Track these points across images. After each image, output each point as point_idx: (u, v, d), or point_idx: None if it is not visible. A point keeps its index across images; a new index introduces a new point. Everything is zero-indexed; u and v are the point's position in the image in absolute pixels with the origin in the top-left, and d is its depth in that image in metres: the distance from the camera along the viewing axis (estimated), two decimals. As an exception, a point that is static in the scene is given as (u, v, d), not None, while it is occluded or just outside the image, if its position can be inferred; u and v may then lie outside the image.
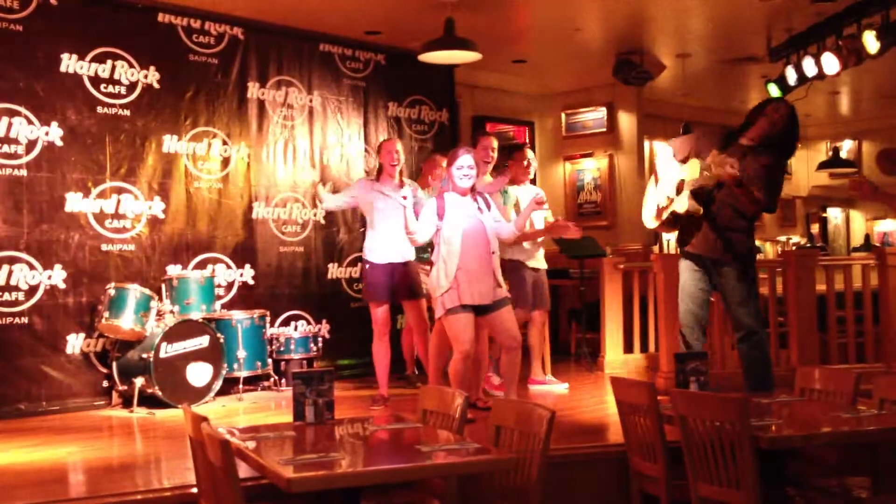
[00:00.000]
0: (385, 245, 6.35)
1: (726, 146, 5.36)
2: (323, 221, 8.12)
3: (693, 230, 5.40)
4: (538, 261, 6.80)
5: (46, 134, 6.62)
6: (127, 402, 6.44)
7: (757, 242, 10.38)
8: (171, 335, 6.41)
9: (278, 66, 7.92)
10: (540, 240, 6.78)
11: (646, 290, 7.60)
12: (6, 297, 6.39)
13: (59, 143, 6.67)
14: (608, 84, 9.78)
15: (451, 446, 3.28)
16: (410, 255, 6.45)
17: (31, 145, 6.55)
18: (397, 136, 8.63)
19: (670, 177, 5.50)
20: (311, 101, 8.11)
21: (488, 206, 5.50)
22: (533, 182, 7.29)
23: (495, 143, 6.64)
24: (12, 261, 6.44)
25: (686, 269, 5.48)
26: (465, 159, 5.41)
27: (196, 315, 6.67)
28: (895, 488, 3.84)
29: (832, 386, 4.26)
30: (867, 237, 13.57)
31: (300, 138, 8.03)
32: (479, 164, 5.86)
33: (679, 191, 5.40)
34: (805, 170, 13.91)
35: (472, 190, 5.48)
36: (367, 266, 6.42)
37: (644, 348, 7.76)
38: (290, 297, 7.91)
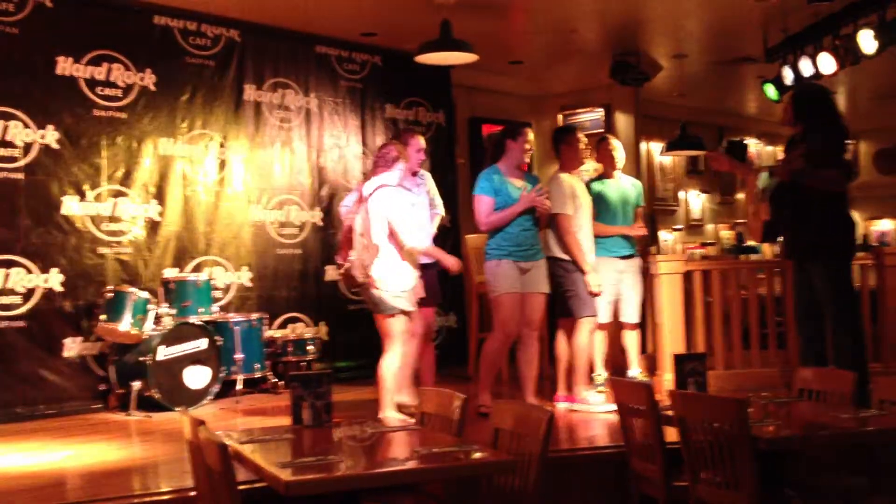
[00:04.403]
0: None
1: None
2: (321, 223, 8.11)
3: None
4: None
5: (42, 137, 6.61)
6: (124, 406, 6.43)
7: (752, 243, 10.41)
8: (169, 338, 6.40)
9: (275, 69, 7.91)
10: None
11: (644, 291, 7.58)
12: (3, 300, 6.37)
13: (56, 146, 6.66)
14: (605, 85, 9.77)
15: (449, 449, 3.26)
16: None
17: (27, 148, 6.54)
18: (394, 137, 8.62)
19: None
20: (307, 103, 8.11)
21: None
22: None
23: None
24: (9, 264, 6.43)
25: None
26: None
27: (194, 318, 6.66)
28: (894, 489, 3.84)
29: (831, 386, 4.25)
30: (865, 237, 13.55)
31: (297, 140, 8.03)
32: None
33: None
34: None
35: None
36: None
37: (643, 349, 7.74)
38: (288, 299, 7.90)
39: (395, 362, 5.42)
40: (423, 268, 6.15)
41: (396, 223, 5.33)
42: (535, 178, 6.25)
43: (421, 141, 6.27)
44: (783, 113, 5.69)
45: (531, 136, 6.06)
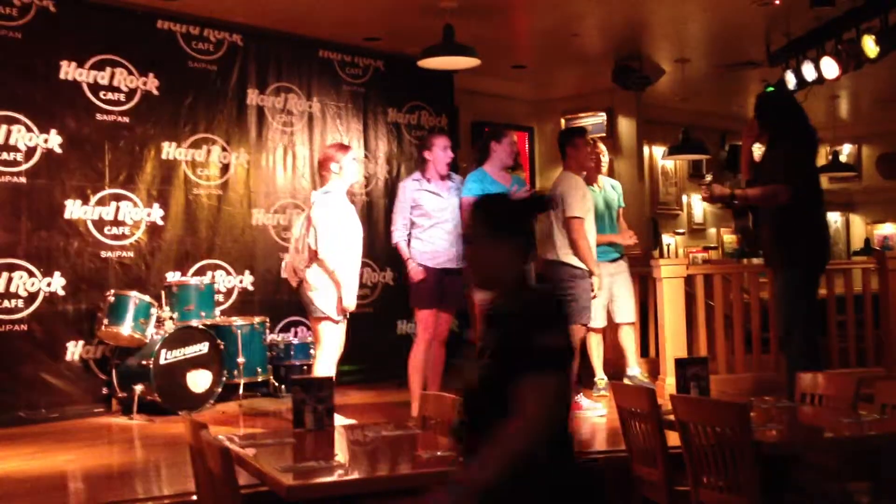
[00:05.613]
0: (438, 248, 6.04)
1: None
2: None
3: None
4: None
5: (45, 141, 6.62)
6: (126, 409, 6.43)
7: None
8: (171, 342, 6.41)
9: (277, 73, 7.92)
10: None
11: (646, 295, 7.58)
12: (5, 304, 6.38)
13: (59, 150, 6.67)
14: (607, 89, 9.77)
15: (451, 453, 3.26)
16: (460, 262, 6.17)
17: (30, 152, 6.55)
18: (396, 141, 8.64)
19: None
20: (310, 107, 8.11)
21: None
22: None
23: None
24: (11, 268, 6.43)
25: None
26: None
27: (196, 321, 6.66)
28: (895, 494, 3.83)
29: (833, 391, 4.24)
30: (867, 241, 13.54)
31: (299, 145, 8.03)
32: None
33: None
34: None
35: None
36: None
37: (644, 353, 7.74)
38: (290, 303, 7.85)
39: (326, 366, 5.51)
40: (448, 273, 6.12)
41: (321, 233, 5.43)
42: (522, 180, 6.26)
43: (445, 140, 6.11)
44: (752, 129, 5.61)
45: (515, 137, 6.07)
